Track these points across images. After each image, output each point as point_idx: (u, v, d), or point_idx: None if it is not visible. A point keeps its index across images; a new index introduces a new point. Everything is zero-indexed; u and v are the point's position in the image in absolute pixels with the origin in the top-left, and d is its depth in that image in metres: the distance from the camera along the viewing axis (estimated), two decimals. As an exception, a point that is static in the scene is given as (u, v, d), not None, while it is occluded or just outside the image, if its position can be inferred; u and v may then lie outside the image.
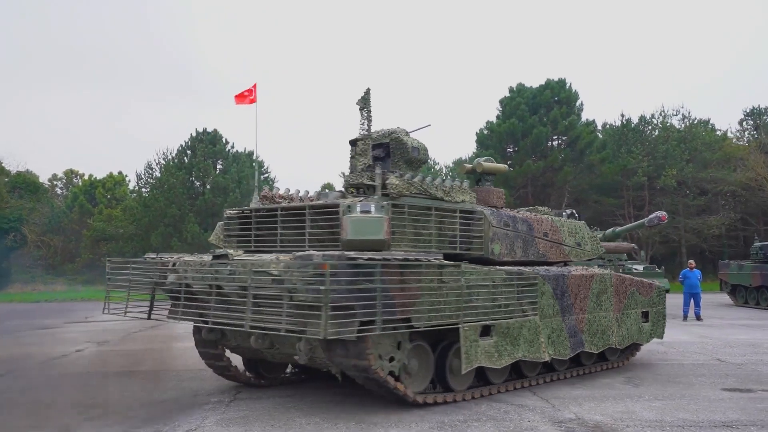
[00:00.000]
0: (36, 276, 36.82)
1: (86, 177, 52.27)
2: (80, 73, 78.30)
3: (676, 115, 39.45)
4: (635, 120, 39.05)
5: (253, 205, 7.33)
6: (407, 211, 6.46)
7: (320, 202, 6.69)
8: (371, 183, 6.66)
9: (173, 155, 37.94)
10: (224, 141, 38.77)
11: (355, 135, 7.40)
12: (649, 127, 39.09)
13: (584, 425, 5.83)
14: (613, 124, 40.18)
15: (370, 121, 7.24)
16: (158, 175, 38.17)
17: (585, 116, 37.87)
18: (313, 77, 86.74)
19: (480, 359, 6.46)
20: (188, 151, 37.51)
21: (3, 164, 41.47)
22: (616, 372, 8.78)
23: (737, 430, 5.73)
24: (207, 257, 6.49)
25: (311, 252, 5.71)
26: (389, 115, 76.64)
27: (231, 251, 6.29)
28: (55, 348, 11.54)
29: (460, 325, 6.23)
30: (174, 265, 6.64)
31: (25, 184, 41.59)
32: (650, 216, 14.85)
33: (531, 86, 37.39)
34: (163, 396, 7.26)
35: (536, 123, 34.96)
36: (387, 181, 6.48)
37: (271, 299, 5.62)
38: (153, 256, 7.10)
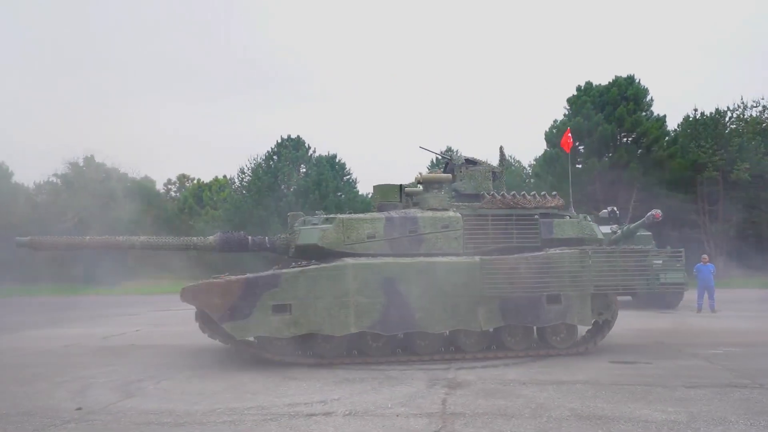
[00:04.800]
0: (148, 272, 41.56)
1: (195, 181, 57.99)
2: (189, 84, 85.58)
3: (756, 106, 38.12)
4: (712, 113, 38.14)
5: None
6: None
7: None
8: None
9: (261, 160, 41.81)
10: (306, 146, 42.13)
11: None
12: (724, 120, 38.02)
13: (451, 382, 7.77)
14: (690, 118, 39.38)
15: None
16: (248, 178, 42.16)
17: (658, 111, 37.53)
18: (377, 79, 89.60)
19: None
20: (274, 157, 41.19)
21: (121, 171, 46.97)
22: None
23: (567, 386, 7.35)
24: None
25: None
26: (461, 119, 77.82)
27: None
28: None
29: None
30: None
31: (139, 189, 46.88)
32: (648, 214, 16.32)
33: (599, 84, 37.64)
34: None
35: (602, 121, 35.29)
36: None
37: None
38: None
